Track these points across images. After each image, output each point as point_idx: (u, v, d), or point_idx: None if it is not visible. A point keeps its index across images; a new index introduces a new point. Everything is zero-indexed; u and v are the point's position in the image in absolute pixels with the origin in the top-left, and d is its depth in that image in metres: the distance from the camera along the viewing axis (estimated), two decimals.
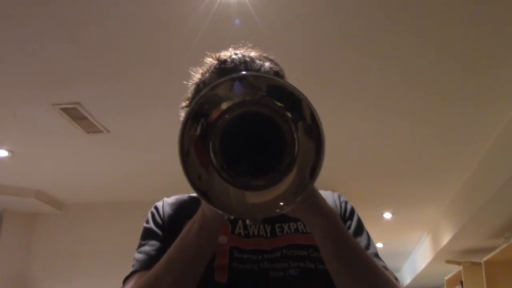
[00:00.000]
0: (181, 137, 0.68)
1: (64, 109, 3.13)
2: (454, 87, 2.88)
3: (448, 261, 5.29)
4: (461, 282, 5.15)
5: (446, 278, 5.92)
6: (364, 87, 2.90)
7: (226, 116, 0.70)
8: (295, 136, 0.69)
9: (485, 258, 4.27)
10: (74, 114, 3.19)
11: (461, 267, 5.09)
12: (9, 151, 3.89)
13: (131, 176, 4.56)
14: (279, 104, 0.69)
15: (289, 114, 0.69)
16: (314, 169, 0.67)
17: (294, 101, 0.67)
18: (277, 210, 0.69)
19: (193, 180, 0.68)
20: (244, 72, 0.79)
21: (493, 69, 2.67)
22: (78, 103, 3.07)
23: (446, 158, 3.96)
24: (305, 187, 0.68)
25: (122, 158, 4.11)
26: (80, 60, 2.63)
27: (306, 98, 0.66)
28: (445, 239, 5.14)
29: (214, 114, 0.69)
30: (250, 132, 0.74)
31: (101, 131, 3.48)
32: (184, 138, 0.68)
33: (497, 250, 3.97)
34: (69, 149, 3.89)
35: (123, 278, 0.91)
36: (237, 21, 2.24)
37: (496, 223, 4.18)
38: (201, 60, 1.00)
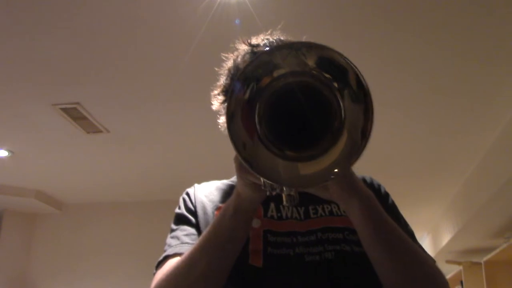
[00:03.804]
0: (230, 98, 0.66)
1: (64, 109, 3.13)
2: (454, 86, 2.88)
3: (448, 261, 5.29)
4: (461, 282, 5.14)
5: (446, 278, 5.91)
6: None
7: (274, 83, 0.68)
8: (341, 104, 0.68)
9: (485, 258, 4.27)
10: (74, 114, 3.19)
11: (461, 267, 5.08)
12: (9, 151, 3.90)
13: (131, 176, 4.55)
14: (327, 75, 0.68)
15: (335, 84, 0.68)
16: (364, 131, 0.66)
17: (340, 71, 0.67)
18: (332, 177, 0.68)
19: (239, 147, 0.66)
20: (299, 41, 0.78)
21: (493, 69, 2.67)
22: (78, 103, 3.07)
23: (446, 157, 3.96)
24: (358, 149, 0.67)
25: (122, 158, 4.11)
26: (80, 60, 2.63)
27: (353, 66, 0.66)
28: (445, 239, 5.14)
29: (265, 81, 0.67)
30: (296, 103, 0.72)
31: (101, 131, 3.48)
32: (232, 100, 0.66)
33: (497, 250, 3.97)
34: (69, 149, 3.89)
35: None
36: (237, 21, 2.24)
37: (496, 223, 4.18)
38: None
